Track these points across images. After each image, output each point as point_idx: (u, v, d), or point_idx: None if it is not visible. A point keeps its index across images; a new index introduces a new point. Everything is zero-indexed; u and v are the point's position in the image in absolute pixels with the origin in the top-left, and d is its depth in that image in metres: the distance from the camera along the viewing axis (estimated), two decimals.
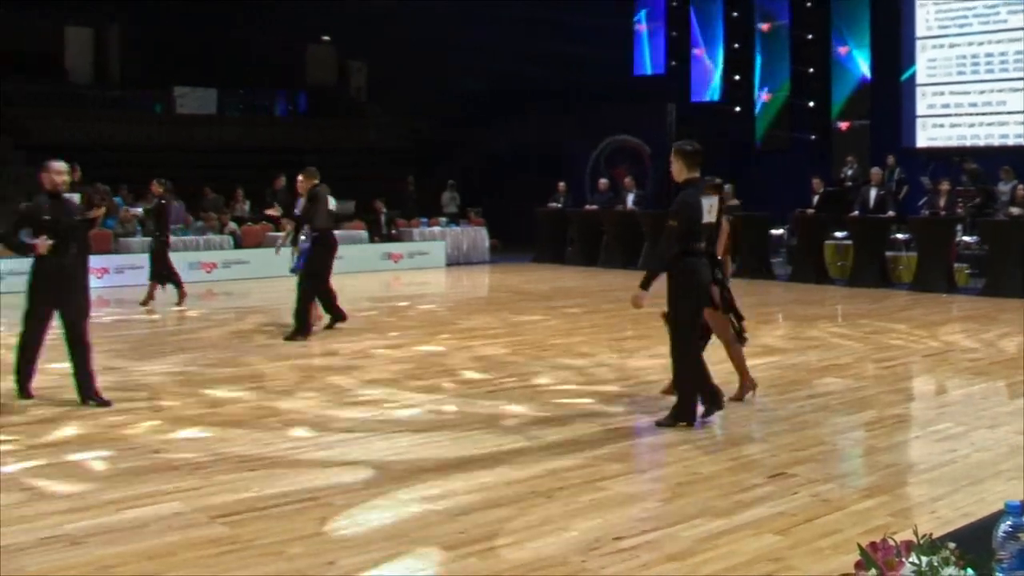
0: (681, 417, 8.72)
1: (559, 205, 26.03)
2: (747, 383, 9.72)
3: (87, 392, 9.64)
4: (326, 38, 35.74)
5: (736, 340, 9.64)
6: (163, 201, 17.84)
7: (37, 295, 9.56)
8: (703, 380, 8.83)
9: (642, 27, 30.18)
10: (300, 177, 14.88)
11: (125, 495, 6.88)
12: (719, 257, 9.39)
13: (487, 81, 30.20)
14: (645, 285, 8.66)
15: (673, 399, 8.96)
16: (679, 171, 8.81)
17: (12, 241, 9.75)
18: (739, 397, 9.64)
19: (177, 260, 21.08)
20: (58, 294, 9.52)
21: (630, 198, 24.54)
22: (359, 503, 6.69)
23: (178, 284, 17.64)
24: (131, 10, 31.47)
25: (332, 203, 14.09)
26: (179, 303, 17.42)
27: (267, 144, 30.75)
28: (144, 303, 17.37)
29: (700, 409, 8.80)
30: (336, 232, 21.90)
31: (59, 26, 31.89)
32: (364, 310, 16.83)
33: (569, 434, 8.52)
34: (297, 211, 14.63)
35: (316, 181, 13.99)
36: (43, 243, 9.32)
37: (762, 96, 28.12)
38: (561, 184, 26.14)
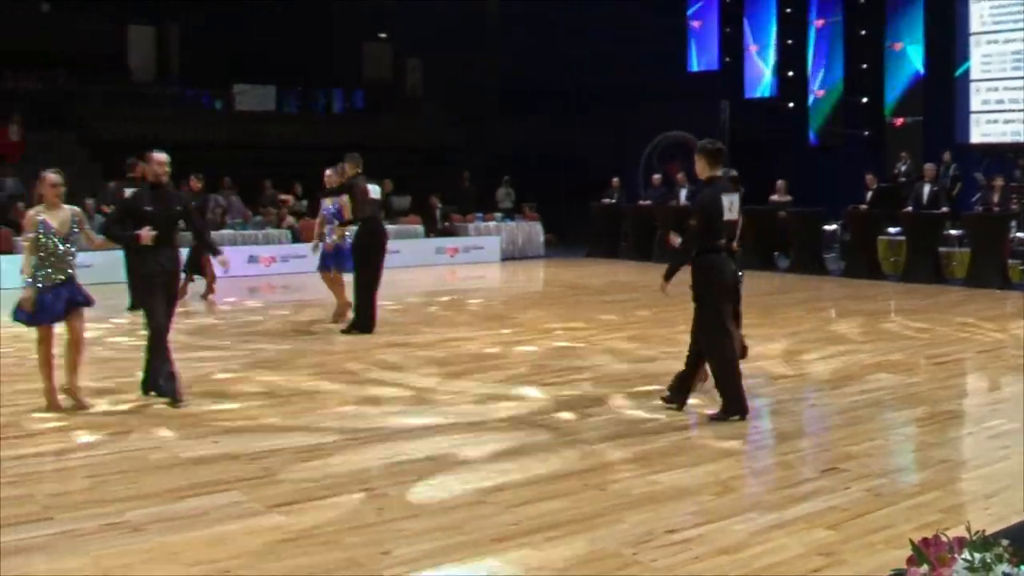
0: (731, 411, 8.78)
1: (613, 200, 26.04)
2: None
3: (158, 386, 9.58)
4: (382, 35, 35.87)
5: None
6: (204, 196, 17.74)
7: (143, 288, 9.59)
8: (736, 375, 8.92)
9: (696, 24, 30.10)
10: (328, 172, 14.95)
11: (186, 484, 7.02)
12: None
13: (542, 78, 30.19)
14: (667, 276, 8.91)
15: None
16: (702, 169, 8.94)
17: (115, 232, 9.67)
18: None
19: (235, 254, 21.31)
20: (161, 285, 9.47)
21: (683, 193, 24.46)
22: (415, 494, 6.78)
23: (209, 277, 17.41)
24: (191, 9, 31.75)
25: (375, 191, 13.87)
26: (205, 295, 17.42)
27: (324, 141, 30.82)
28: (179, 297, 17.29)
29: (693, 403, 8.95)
30: (392, 227, 22.14)
31: (121, 25, 32.23)
32: (419, 304, 16.95)
33: (622, 428, 8.57)
34: (329, 209, 14.71)
35: (359, 170, 13.74)
36: (147, 233, 9.27)
37: (816, 92, 27.96)
38: (615, 180, 26.13)
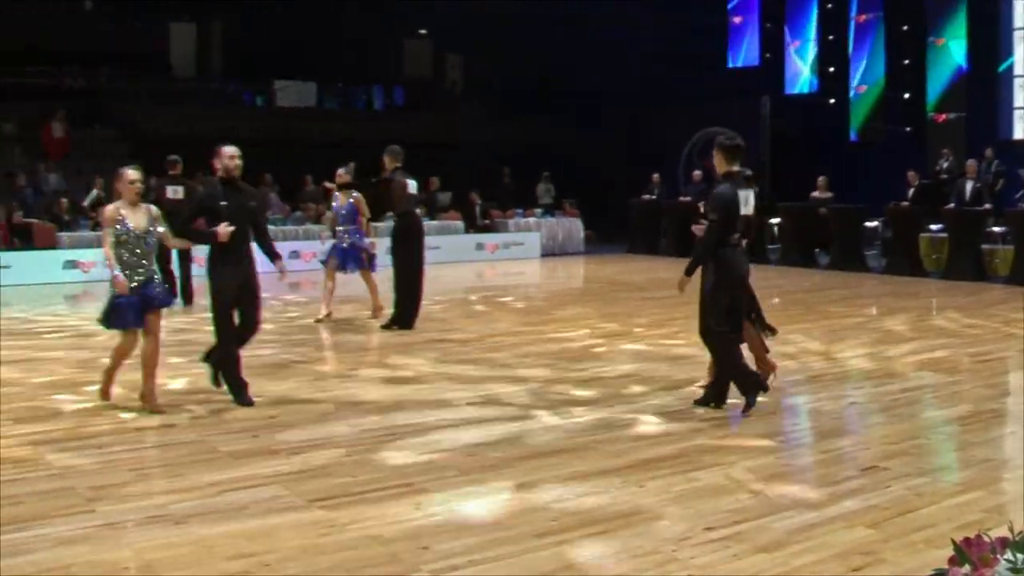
0: (713, 400, 9.02)
1: (653, 197, 25.99)
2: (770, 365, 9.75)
3: (225, 383, 9.51)
4: (423, 32, 35.95)
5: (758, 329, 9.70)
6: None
7: (221, 287, 9.21)
8: (742, 364, 9.03)
9: (736, 20, 29.98)
10: (340, 171, 14.98)
11: (227, 477, 7.07)
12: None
13: (582, 74, 30.16)
14: (689, 272, 9.00)
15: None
16: (720, 164, 9.06)
17: (190, 230, 9.49)
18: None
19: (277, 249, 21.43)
20: (239, 283, 9.24)
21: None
22: (454, 490, 6.80)
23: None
24: (232, 6, 31.95)
25: (412, 186, 13.75)
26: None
27: (365, 137, 30.93)
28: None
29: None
30: (432, 223, 22.22)
31: (163, 23, 32.47)
32: (458, 300, 16.99)
33: (661, 425, 8.56)
34: (340, 208, 14.70)
35: (399, 164, 13.66)
36: (224, 230, 9.02)
37: (857, 88, 27.79)
38: (655, 175, 26.10)
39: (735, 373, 8.93)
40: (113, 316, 8.94)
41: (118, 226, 8.87)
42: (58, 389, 10.16)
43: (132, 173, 9.07)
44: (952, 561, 2.89)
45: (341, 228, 14.62)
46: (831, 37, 28.32)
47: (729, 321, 8.89)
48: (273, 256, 9.79)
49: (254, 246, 9.51)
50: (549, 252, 26.43)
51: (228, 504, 6.51)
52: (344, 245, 14.55)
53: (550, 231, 27.16)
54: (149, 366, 9.05)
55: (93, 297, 17.80)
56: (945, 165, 23.37)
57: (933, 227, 21.00)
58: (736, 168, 9.03)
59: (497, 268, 23.81)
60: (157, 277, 9.14)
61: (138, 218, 8.97)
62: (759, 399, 8.86)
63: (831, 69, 28.34)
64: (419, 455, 7.65)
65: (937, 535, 5.83)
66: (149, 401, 9.04)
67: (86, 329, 14.17)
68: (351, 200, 14.58)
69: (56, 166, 25.44)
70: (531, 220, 27.21)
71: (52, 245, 21.59)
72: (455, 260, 23.81)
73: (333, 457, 7.59)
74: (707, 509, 6.38)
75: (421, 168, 25.17)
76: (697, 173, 25.77)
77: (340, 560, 5.57)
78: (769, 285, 18.88)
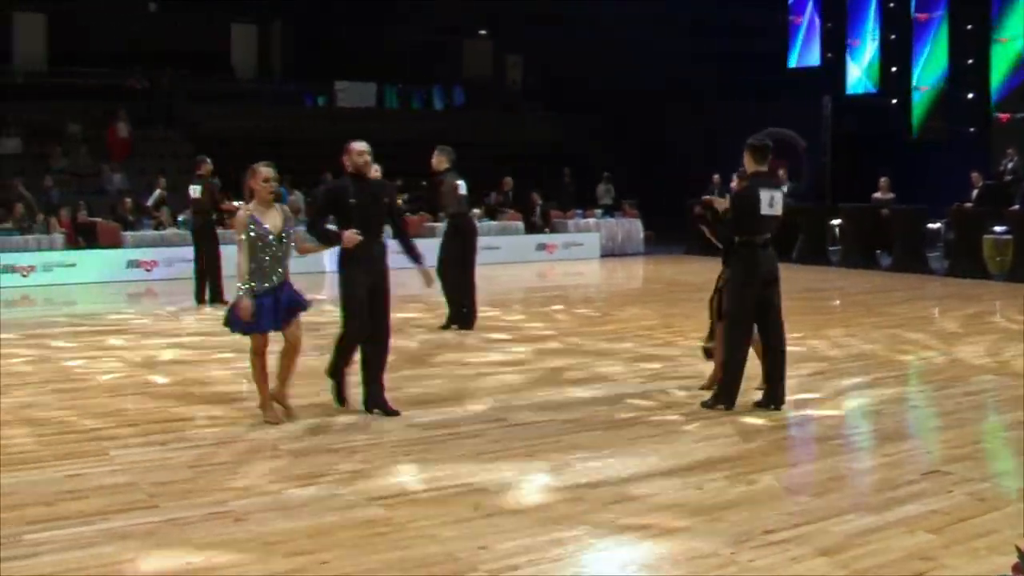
0: (722, 401, 9.00)
1: (712, 198, 25.87)
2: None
3: (375, 401, 8.95)
4: (483, 32, 36.03)
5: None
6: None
7: (354, 287, 8.79)
8: (741, 371, 9.04)
9: (798, 19, 29.78)
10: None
11: (286, 475, 7.12)
12: None
13: (642, 74, 30.10)
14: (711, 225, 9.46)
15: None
16: (748, 164, 9.12)
17: (318, 230, 8.97)
18: (708, 386, 9.68)
19: (335, 250, 21.52)
20: (371, 285, 8.80)
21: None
22: (512, 488, 6.81)
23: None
24: (293, 7, 32.17)
25: (463, 187, 13.67)
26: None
27: (425, 137, 31.01)
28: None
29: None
30: (492, 223, 22.24)
31: (225, 24, 32.77)
32: (518, 300, 17.01)
33: (722, 426, 8.51)
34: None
35: (447, 166, 13.63)
36: (351, 236, 8.61)
37: (919, 88, 27.50)
38: (715, 176, 25.94)
39: (731, 373, 8.98)
40: (238, 321, 8.42)
41: (252, 228, 8.37)
42: (122, 387, 10.29)
43: (266, 170, 8.57)
44: (1016, 568, 2.87)
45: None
46: (892, 36, 28.05)
47: (743, 319, 8.91)
48: (415, 257, 9.30)
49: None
50: (609, 253, 26.41)
51: (287, 502, 6.55)
52: None
53: (610, 232, 27.13)
54: (285, 370, 8.68)
55: (155, 296, 18.05)
56: (1010, 166, 23.05)
57: (997, 229, 20.71)
58: (764, 168, 9.10)
59: (557, 269, 23.81)
60: (290, 280, 8.67)
61: (273, 218, 8.49)
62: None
63: (893, 69, 28.07)
64: (478, 453, 7.67)
65: (1000, 541, 5.75)
66: (280, 402, 8.74)
67: (150, 327, 14.37)
68: None
69: (120, 166, 25.74)
70: (591, 221, 27.19)
71: (116, 244, 21.85)
72: (514, 260, 23.86)
73: (391, 455, 7.62)
74: (766, 511, 6.34)
75: (482, 169, 25.27)
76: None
77: (397, 559, 5.59)
78: (830, 287, 18.79)
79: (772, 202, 8.92)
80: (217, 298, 16.47)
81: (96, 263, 20.95)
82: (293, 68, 33.55)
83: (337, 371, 9.11)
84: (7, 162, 25.35)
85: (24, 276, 19.85)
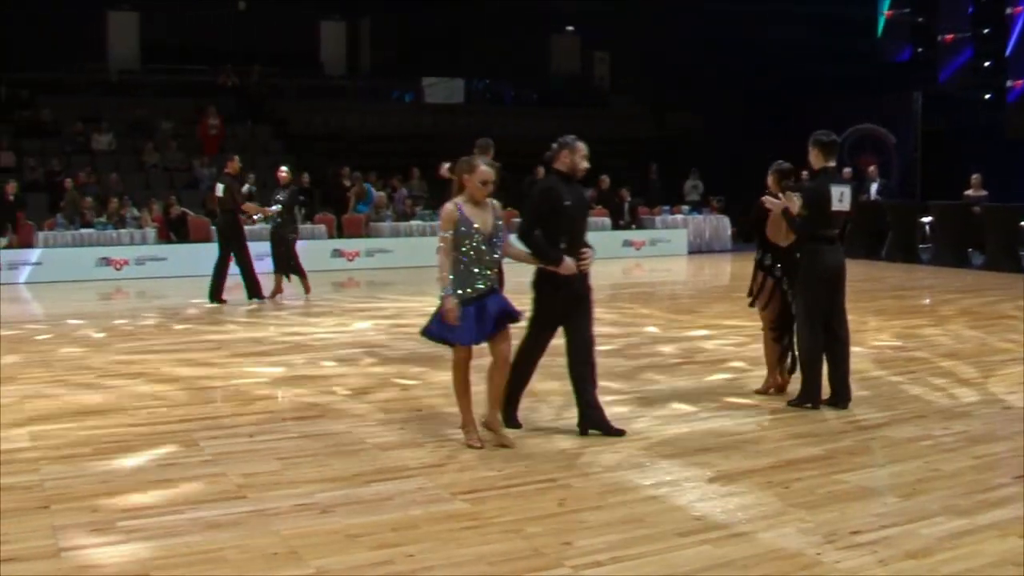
0: (807, 400, 8.92)
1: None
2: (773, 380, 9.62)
3: (593, 422, 8.15)
4: (570, 28, 36.00)
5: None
6: (294, 189, 17.61)
7: (547, 301, 8.09)
8: (820, 366, 8.94)
9: (888, 14, 29.42)
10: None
11: (372, 468, 7.17)
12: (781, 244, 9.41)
13: (729, 69, 29.91)
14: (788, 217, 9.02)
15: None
16: (815, 160, 9.06)
17: (535, 240, 7.93)
18: (763, 390, 9.58)
19: (423, 245, 21.73)
20: (573, 295, 8.15)
21: (874, 187, 23.95)
22: (598, 485, 6.79)
23: (302, 276, 17.23)
24: (382, 4, 32.37)
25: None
26: (306, 295, 17.21)
27: (512, 133, 31.20)
28: (272, 296, 16.92)
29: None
30: None
31: (314, 21, 33.06)
32: (604, 297, 16.98)
33: (809, 425, 8.43)
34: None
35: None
36: (569, 265, 7.89)
37: (1013, 82, 27.01)
38: (804, 173, 25.70)
39: (812, 370, 8.90)
40: (446, 328, 7.56)
41: (462, 226, 7.50)
42: (211, 378, 10.45)
43: (486, 171, 7.63)
44: None
45: None
46: (986, 31, 27.60)
47: (815, 315, 8.83)
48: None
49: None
50: (695, 249, 26.30)
51: (373, 495, 6.60)
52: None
53: (697, 228, 27.01)
54: (494, 395, 7.82)
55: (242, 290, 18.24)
56: None
57: None
58: (832, 164, 9.02)
59: (644, 265, 23.74)
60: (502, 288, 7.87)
61: (484, 217, 7.57)
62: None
63: (986, 64, 27.63)
64: (562, 450, 7.66)
65: None
66: (491, 429, 7.84)
67: (237, 320, 14.55)
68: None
69: (210, 161, 26.10)
70: (678, 217, 27.08)
71: (207, 239, 22.13)
72: (601, 257, 23.71)
73: (478, 450, 7.64)
74: (853, 512, 6.26)
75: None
76: (847, 170, 25.32)
77: (482, 553, 5.60)
78: (920, 285, 18.51)
79: (842, 197, 8.86)
80: (256, 293, 16.69)
81: (187, 257, 21.24)
82: (381, 65, 33.77)
83: (510, 391, 8.18)
84: (101, 158, 25.80)
85: (117, 269, 20.20)
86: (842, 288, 9.01)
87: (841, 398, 8.93)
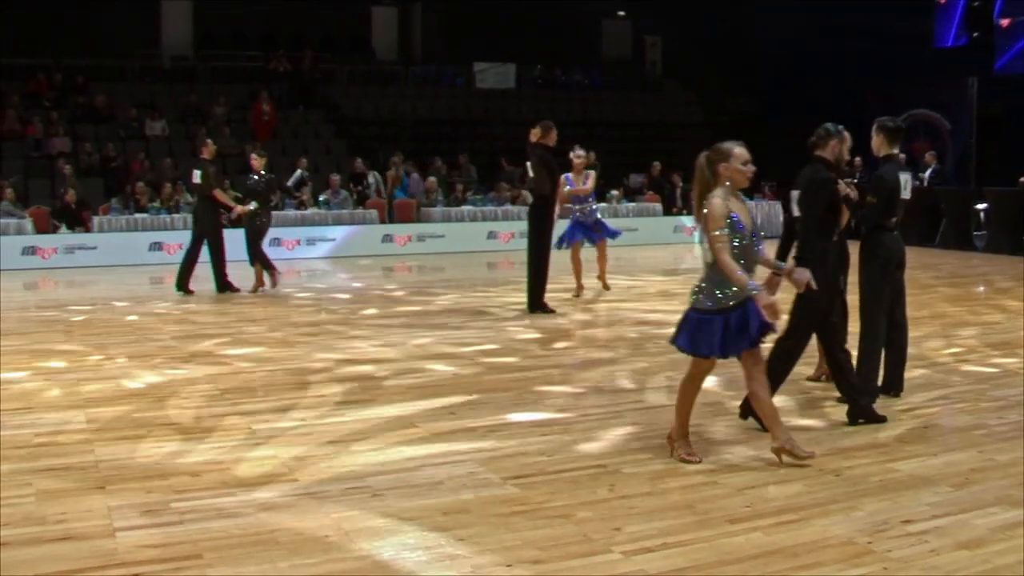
0: (864, 392, 8.46)
1: (854, 180, 25.43)
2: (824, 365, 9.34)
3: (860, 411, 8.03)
4: (621, 13, 35.87)
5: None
6: (271, 178, 16.74)
7: (816, 297, 7.78)
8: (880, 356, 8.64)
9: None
10: (580, 152, 14.94)
11: (425, 453, 7.20)
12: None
13: (781, 54, 29.70)
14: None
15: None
16: (879, 146, 8.87)
17: (813, 244, 7.83)
18: (815, 377, 9.45)
19: (474, 230, 21.74)
20: (835, 291, 8.21)
21: (928, 174, 23.73)
22: (648, 472, 6.78)
23: (269, 267, 16.24)
24: None
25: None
26: (273, 286, 16.24)
27: (564, 118, 31.13)
28: (254, 290, 16.18)
29: None
30: (630, 205, 22.17)
31: (366, 7, 33.13)
32: (655, 282, 16.95)
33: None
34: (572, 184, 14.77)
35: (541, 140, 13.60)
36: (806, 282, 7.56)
37: None
38: (857, 159, 25.45)
39: (871, 365, 8.58)
40: (701, 337, 6.74)
41: (730, 223, 6.73)
42: (262, 361, 10.52)
43: (742, 150, 7.10)
44: None
45: (579, 206, 15.04)
46: None
47: (881, 306, 8.61)
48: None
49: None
50: None
51: (425, 479, 6.63)
52: (589, 221, 15.05)
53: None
54: (768, 410, 6.94)
55: (294, 274, 18.36)
56: None
57: None
58: (896, 151, 8.88)
59: (694, 251, 23.62)
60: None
61: (743, 211, 6.87)
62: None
63: None
64: (613, 436, 7.66)
65: None
66: (794, 454, 6.90)
67: (288, 303, 14.65)
68: (587, 177, 14.99)
69: (263, 146, 26.24)
70: None
71: None
72: (653, 242, 23.81)
73: (528, 436, 7.65)
74: (905, 501, 6.21)
75: (620, 150, 25.17)
76: (901, 156, 25.10)
77: (532, 538, 5.61)
78: (974, 273, 18.32)
79: (906, 185, 8.75)
80: (227, 287, 16.06)
81: (239, 242, 21.38)
82: (433, 50, 33.80)
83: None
84: (155, 144, 26.01)
85: (170, 254, 20.37)
86: (903, 274, 8.90)
87: (893, 387, 8.82)
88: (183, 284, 15.92)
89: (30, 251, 20.31)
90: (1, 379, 9.68)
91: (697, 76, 34.03)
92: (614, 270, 16.37)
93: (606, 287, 15.51)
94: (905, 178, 8.78)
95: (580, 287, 15.16)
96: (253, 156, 16.67)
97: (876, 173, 8.99)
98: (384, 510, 6.04)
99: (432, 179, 24.97)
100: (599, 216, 15.33)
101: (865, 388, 8.34)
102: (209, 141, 16.46)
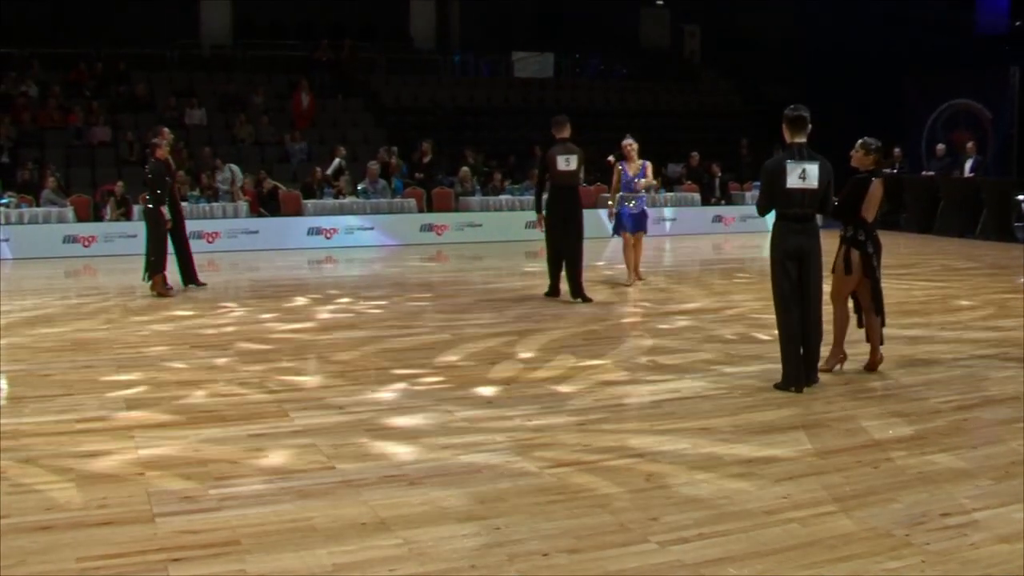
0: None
1: (894, 171, 25.30)
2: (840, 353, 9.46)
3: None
4: (660, 2, 35.77)
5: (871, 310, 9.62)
6: (155, 163, 14.77)
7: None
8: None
9: None
10: (628, 141, 14.93)
11: (462, 442, 7.22)
12: (870, 220, 9.28)
13: (820, 43, 29.53)
14: None
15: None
16: (786, 135, 9.17)
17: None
18: (828, 367, 9.36)
19: (502, 220, 21.75)
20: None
21: (968, 164, 23.54)
22: (685, 463, 6.76)
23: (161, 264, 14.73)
24: None
25: (562, 163, 13.66)
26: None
27: (602, 107, 31.14)
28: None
29: None
30: (668, 194, 22.18)
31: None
32: (693, 272, 16.90)
33: (898, 405, 8.34)
34: (627, 176, 14.78)
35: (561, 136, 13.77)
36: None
37: None
38: (896, 150, 25.34)
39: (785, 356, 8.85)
40: None
41: None
42: (300, 350, 10.57)
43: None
44: None
45: (631, 196, 15.15)
46: None
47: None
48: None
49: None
50: None
51: (462, 467, 6.64)
52: (636, 211, 15.20)
53: None
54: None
55: (335, 262, 18.43)
56: None
57: None
58: (799, 140, 9.25)
59: (733, 241, 23.56)
60: None
61: None
62: None
63: None
64: (652, 427, 7.65)
65: None
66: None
67: (327, 293, 14.70)
68: (644, 168, 15.14)
69: (301, 136, 26.34)
70: None
71: (297, 212, 22.38)
72: (691, 232, 23.77)
73: (565, 425, 7.65)
74: (944, 494, 6.17)
75: (658, 139, 25.05)
76: (941, 147, 24.94)
77: (569, 527, 5.62)
78: (1016, 264, 18.16)
79: (805, 174, 9.18)
80: (192, 279, 15.40)
81: (278, 230, 21.52)
82: (471, 39, 33.80)
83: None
84: (194, 132, 26.14)
85: (209, 243, 20.49)
86: (807, 270, 9.25)
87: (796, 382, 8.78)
88: (191, 278, 15.36)
89: (71, 239, 20.48)
90: (44, 366, 9.78)
91: (735, 65, 33.88)
92: (652, 262, 16.32)
93: (639, 278, 15.48)
94: (804, 167, 8.91)
95: (636, 274, 15.47)
96: (153, 140, 15.19)
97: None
98: (420, 497, 6.06)
99: (465, 169, 24.95)
100: (645, 207, 15.44)
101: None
102: (166, 130, 15.37)
